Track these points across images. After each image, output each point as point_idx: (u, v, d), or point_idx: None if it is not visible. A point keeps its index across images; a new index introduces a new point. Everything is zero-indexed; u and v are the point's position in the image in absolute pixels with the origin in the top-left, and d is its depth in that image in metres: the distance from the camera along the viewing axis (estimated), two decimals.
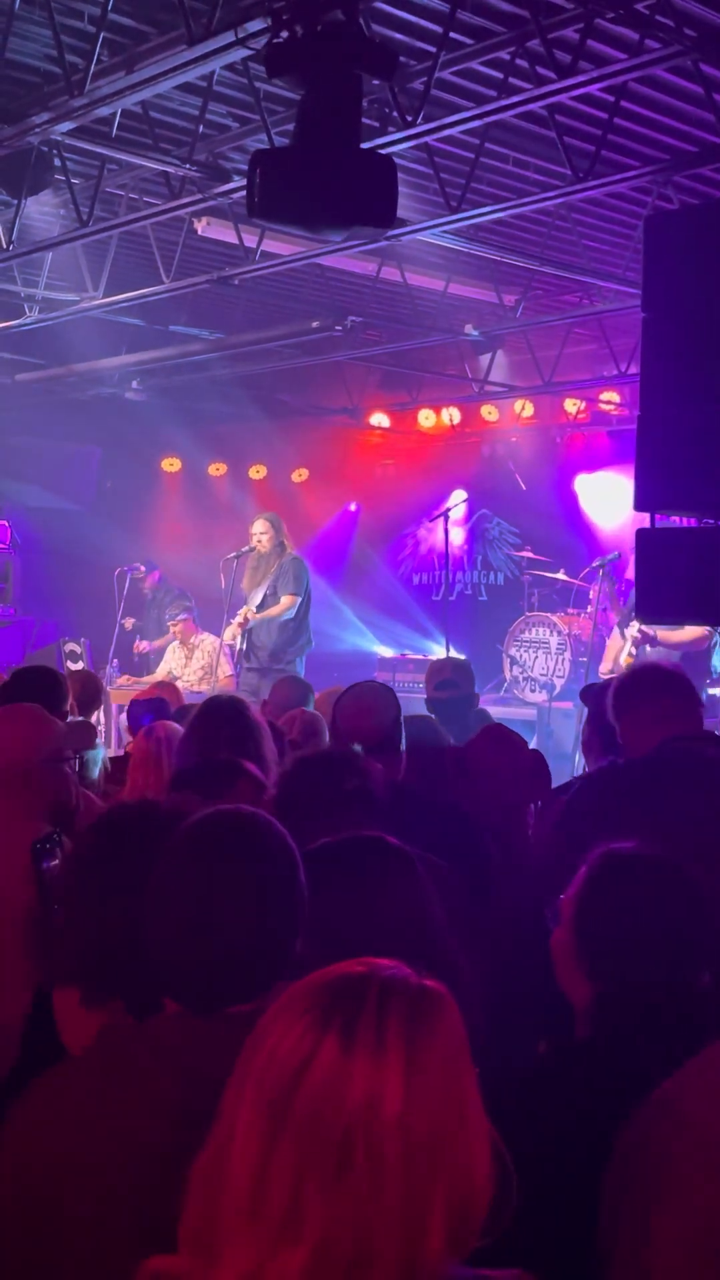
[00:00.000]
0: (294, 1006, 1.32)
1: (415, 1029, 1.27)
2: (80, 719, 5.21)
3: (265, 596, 9.85)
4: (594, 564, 11.10)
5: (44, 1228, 1.68)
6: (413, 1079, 1.24)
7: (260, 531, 9.98)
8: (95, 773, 4.78)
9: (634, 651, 9.71)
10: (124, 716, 9.63)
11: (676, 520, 6.17)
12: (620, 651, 9.92)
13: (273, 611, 9.75)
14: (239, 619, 9.85)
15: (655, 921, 2.03)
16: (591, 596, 11.00)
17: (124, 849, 2.11)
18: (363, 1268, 1.20)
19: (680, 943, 2.03)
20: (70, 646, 11.44)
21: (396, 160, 5.63)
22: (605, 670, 9.76)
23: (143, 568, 12.20)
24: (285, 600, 9.76)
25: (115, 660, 11.54)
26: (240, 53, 5.67)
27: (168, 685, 8.17)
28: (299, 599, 9.79)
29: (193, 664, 10.83)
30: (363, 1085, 1.23)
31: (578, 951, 2.09)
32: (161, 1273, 1.31)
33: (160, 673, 10.84)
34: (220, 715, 4.08)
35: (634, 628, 9.64)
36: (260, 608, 9.83)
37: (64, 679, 4.79)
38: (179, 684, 9.45)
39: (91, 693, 6.44)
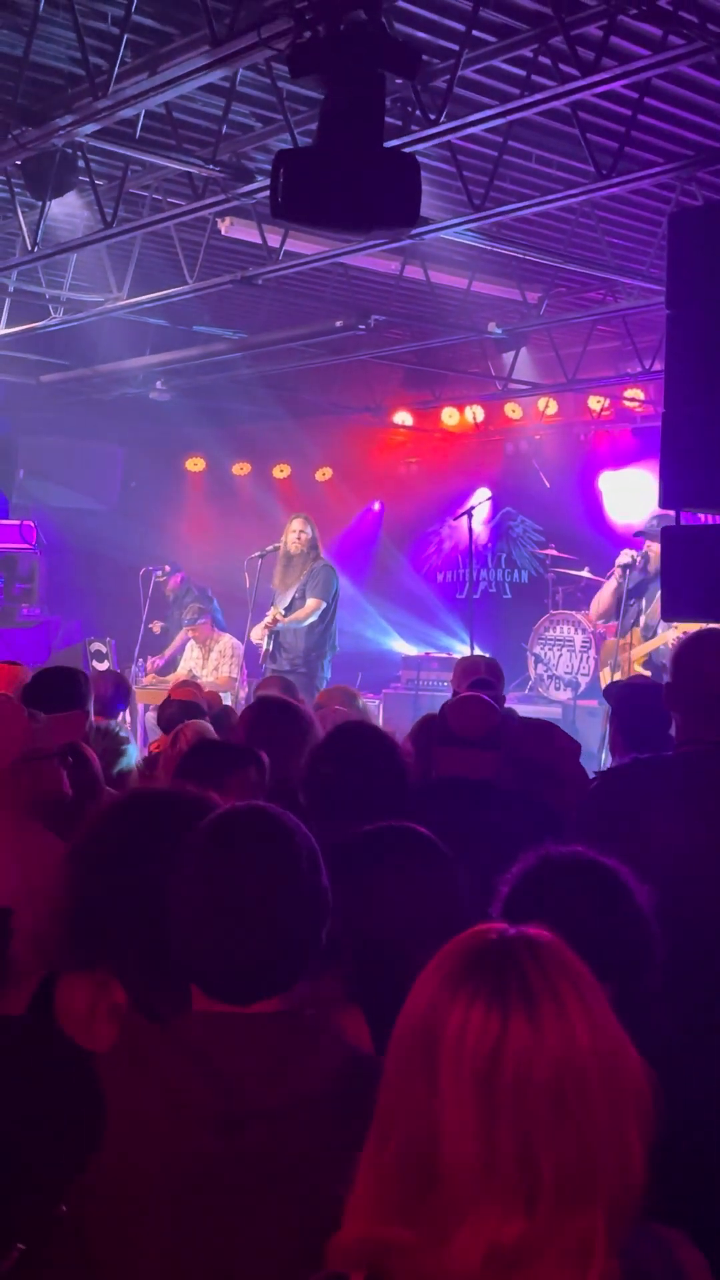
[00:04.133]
0: (453, 984, 1.39)
1: (566, 970, 1.41)
2: (80, 711, 5.20)
3: (294, 599, 9.85)
4: (618, 562, 11.06)
5: (70, 1236, 1.69)
6: (588, 1010, 1.38)
7: (298, 529, 9.98)
8: (129, 768, 4.77)
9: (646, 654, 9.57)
10: (150, 715, 9.69)
11: (702, 517, 6.16)
12: (615, 651, 9.77)
13: (299, 615, 9.77)
14: (268, 619, 9.87)
15: (563, 928, 1.97)
16: None
17: (142, 834, 2.15)
18: (588, 1203, 1.31)
19: (586, 953, 1.96)
20: (96, 646, 11.49)
21: (420, 159, 5.63)
22: (603, 674, 9.67)
23: (166, 568, 12.22)
24: (311, 604, 9.77)
25: (140, 659, 11.59)
26: (263, 53, 5.68)
27: (191, 684, 8.20)
28: (324, 604, 9.79)
29: (209, 663, 10.87)
30: (556, 1034, 1.35)
31: None
32: (384, 1242, 1.36)
33: (181, 671, 10.89)
34: (271, 715, 4.09)
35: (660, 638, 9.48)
36: (289, 610, 9.83)
37: (85, 678, 4.78)
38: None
39: (121, 693, 6.47)
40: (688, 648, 3.28)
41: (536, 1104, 1.32)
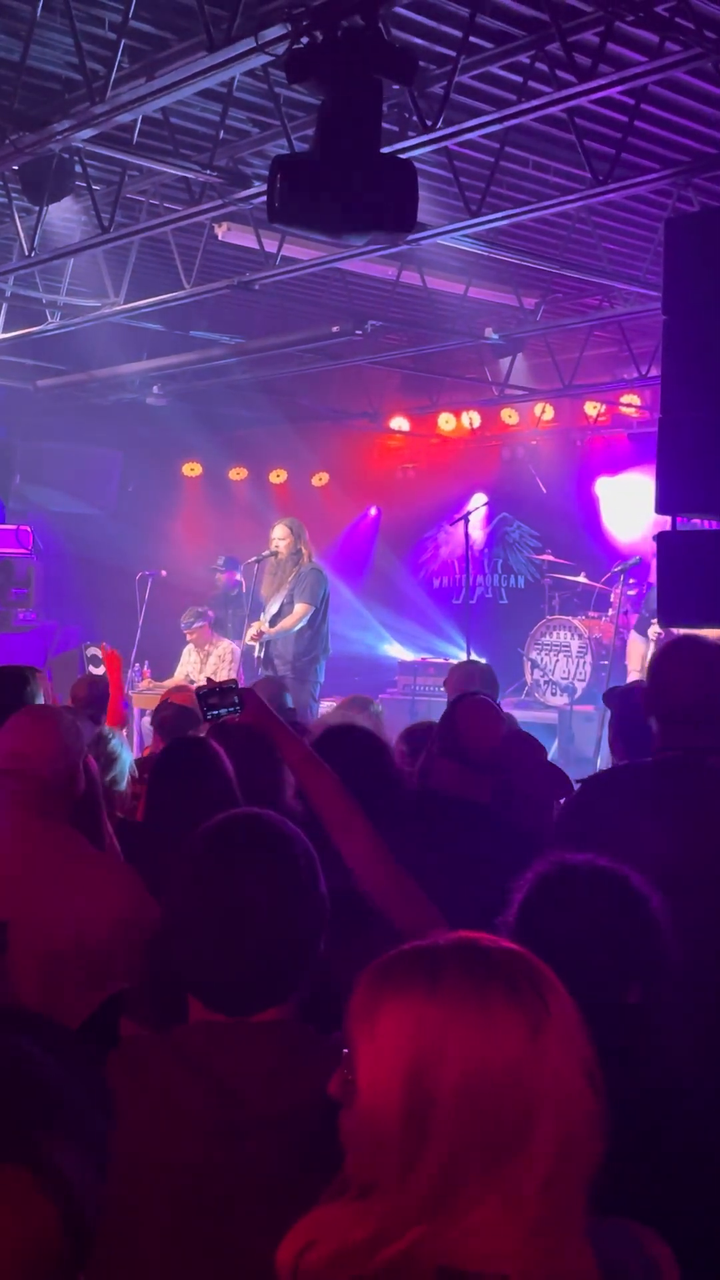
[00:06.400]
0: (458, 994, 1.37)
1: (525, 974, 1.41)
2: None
3: (282, 606, 9.85)
4: (615, 568, 11.08)
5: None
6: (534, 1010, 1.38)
7: (279, 536, 9.98)
8: (123, 782, 4.74)
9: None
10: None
11: (698, 523, 6.16)
12: (643, 655, 9.88)
13: (286, 624, 9.75)
14: (252, 632, 9.88)
15: (589, 931, 1.99)
16: (612, 600, 10.98)
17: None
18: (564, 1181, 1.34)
19: (612, 954, 1.98)
20: (92, 651, 11.47)
21: (416, 164, 5.64)
22: (636, 673, 9.71)
23: (221, 561, 12.21)
24: (299, 609, 9.76)
25: (136, 664, 11.57)
26: (260, 59, 5.68)
27: (183, 690, 8.18)
28: (313, 608, 9.78)
29: (206, 668, 10.84)
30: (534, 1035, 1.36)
31: None
32: (416, 1243, 1.34)
33: (178, 676, 10.87)
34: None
35: (653, 631, 9.57)
36: (276, 618, 9.82)
37: (33, 677, 4.69)
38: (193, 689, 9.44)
39: (97, 696, 6.46)
40: (665, 656, 3.28)
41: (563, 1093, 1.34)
